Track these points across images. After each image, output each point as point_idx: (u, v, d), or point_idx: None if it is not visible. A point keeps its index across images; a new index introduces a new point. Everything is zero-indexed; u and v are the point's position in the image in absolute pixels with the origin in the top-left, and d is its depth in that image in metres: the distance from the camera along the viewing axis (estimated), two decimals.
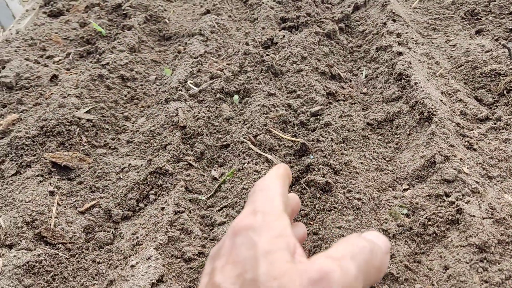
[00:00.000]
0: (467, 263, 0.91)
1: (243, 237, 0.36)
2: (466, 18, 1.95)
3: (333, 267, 0.32)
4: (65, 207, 1.17)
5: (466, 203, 1.04)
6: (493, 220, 0.99)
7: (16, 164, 1.27)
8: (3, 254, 0.99)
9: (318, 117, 1.41)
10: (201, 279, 0.38)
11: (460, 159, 1.17)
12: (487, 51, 1.67)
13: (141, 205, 1.22)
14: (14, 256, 0.97)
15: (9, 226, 1.04)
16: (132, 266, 0.99)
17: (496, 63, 1.58)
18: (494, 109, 1.43)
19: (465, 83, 1.59)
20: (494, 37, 1.76)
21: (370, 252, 0.35)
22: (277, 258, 0.34)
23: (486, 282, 0.87)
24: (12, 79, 1.60)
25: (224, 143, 1.37)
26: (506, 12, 1.88)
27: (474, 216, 0.99)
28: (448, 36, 1.86)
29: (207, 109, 1.48)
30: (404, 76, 1.49)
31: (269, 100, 1.45)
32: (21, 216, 1.07)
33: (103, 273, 1.03)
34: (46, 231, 1.05)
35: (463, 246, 0.95)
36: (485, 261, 0.91)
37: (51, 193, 1.18)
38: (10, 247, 1.01)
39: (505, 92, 1.46)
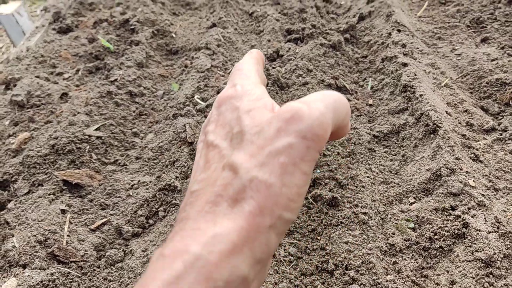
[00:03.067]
0: (473, 278, 0.92)
1: (227, 104, 0.41)
2: (472, 26, 1.95)
3: (302, 105, 0.35)
4: (76, 225, 1.20)
5: (472, 216, 1.04)
6: (498, 234, 0.99)
7: (29, 183, 1.30)
8: (17, 274, 1.01)
9: None
10: (197, 148, 0.43)
11: (466, 171, 1.17)
12: (492, 60, 1.67)
13: (151, 221, 1.24)
14: (28, 275, 1.00)
15: (23, 245, 1.06)
16: None
17: (502, 72, 1.58)
18: (500, 119, 1.44)
19: (471, 93, 1.59)
20: (500, 45, 1.76)
21: (336, 95, 0.38)
22: (257, 112, 0.38)
23: None
24: (24, 97, 1.63)
25: None
26: None
27: (480, 230, 0.99)
28: (453, 45, 1.87)
29: None
30: (409, 88, 1.49)
31: None
32: (34, 235, 1.09)
33: None
34: (59, 250, 1.07)
35: (469, 261, 0.95)
36: (491, 276, 0.91)
37: (63, 211, 1.21)
38: (24, 266, 1.03)
39: (511, 102, 1.46)
